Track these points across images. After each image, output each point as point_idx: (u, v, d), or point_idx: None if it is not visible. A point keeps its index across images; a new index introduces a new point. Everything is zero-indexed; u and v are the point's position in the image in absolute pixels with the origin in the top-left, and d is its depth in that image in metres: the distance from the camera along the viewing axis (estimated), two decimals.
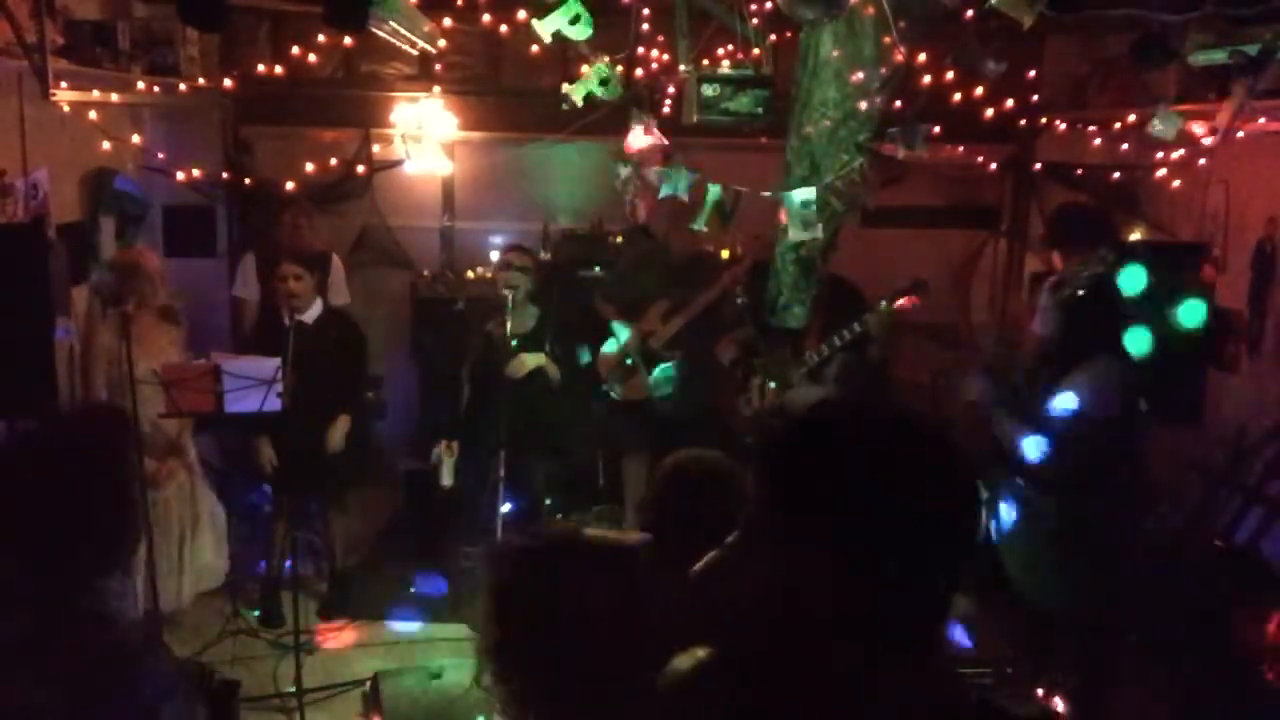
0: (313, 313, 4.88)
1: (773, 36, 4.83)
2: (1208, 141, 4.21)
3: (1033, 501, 3.77)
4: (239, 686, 3.96)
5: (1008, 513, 3.93)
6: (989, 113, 4.99)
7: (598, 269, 5.98)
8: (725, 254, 5.83)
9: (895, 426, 1.29)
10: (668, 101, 5.33)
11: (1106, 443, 3.62)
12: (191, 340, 4.80)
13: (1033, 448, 3.66)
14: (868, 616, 1.23)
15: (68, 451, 1.86)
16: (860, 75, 4.33)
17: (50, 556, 1.79)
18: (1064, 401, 3.60)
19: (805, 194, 4.35)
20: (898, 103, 4.63)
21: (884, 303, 4.70)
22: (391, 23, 3.74)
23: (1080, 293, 3.79)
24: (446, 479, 5.09)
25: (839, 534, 1.23)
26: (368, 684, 4.26)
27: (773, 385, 4.90)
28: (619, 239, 6.17)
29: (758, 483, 1.34)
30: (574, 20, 3.83)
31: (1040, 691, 3.99)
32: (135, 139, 5.13)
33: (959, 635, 4.61)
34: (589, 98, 4.36)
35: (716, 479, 2.50)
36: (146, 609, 4.41)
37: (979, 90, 4.84)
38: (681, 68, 4.66)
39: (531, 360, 5.11)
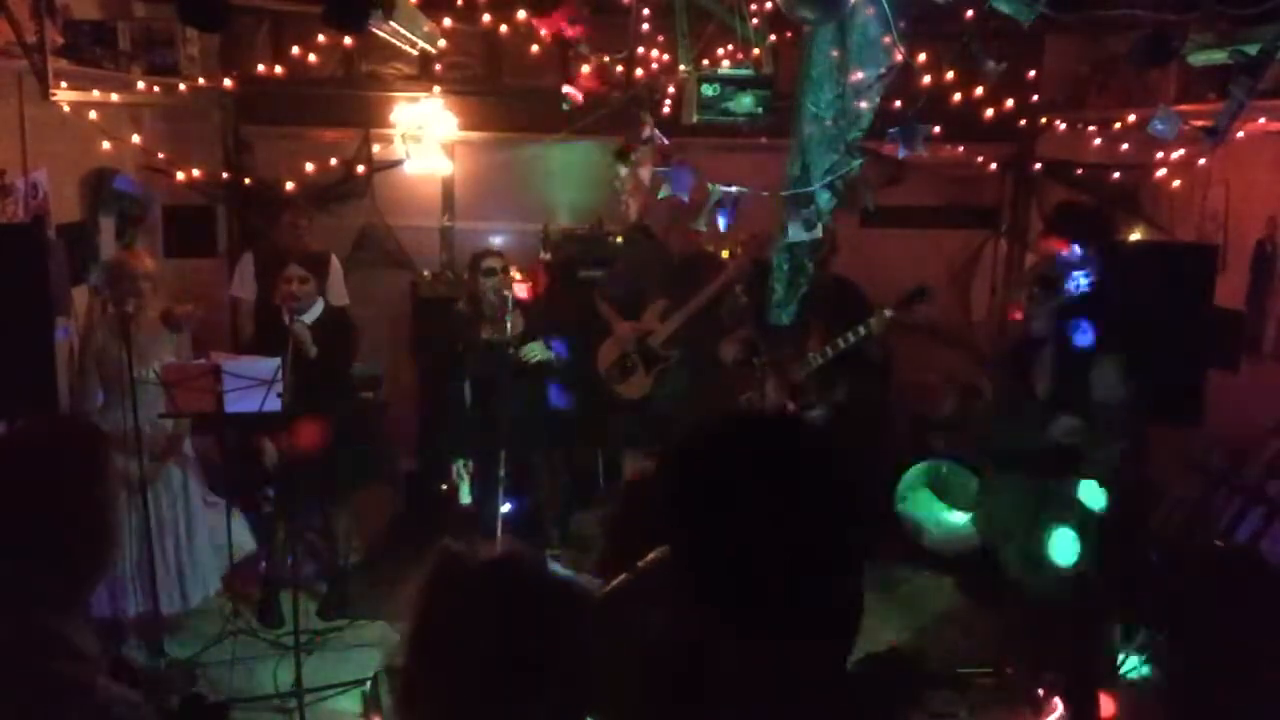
0: (313, 314, 4.87)
1: (773, 36, 4.83)
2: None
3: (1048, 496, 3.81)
4: (228, 709, 3.96)
5: (1013, 511, 3.94)
6: (989, 113, 4.99)
7: (598, 269, 5.98)
8: (725, 254, 5.84)
9: (772, 442, 1.29)
10: (668, 101, 5.34)
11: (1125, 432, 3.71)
12: (193, 342, 4.79)
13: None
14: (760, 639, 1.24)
15: (34, 469, 1.79)
16: (860, 75, 4.33)
17: (8, 577, 1.72)
18: (1106, 395, 3.68)
19: (801, 194, 4.35)
20: (898, 103, 4.64)
21: (889, 310, 4.70)
22: (391, 23, 3.74)
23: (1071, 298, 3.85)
24: (465, 498, 5.12)
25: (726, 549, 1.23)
26: (368, 684, 4.26)
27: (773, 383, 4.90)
28: (619, 239, 6.18)
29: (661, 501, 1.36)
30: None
31: (1040, 692, 3.99)
32: (135, 139, 5.12)
33: None
34: (589, 97, 4.34)
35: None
36: (146, 610, 4.42)
37: (979, 90, 4.84)
38: (681, 68, 4.66)
39: (540, 352, 5.12)
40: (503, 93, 6.09)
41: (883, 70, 4.24)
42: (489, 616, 1.55)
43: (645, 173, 4.54)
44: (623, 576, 2.01)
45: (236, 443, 5.13)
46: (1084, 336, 3.79)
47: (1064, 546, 3.85)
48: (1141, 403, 3.81)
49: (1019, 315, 4.36)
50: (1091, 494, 3.81)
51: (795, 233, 4.39)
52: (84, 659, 1.75)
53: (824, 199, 4.44)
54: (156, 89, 4.85)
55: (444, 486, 5.63)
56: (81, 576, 1.82)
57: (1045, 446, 3.91)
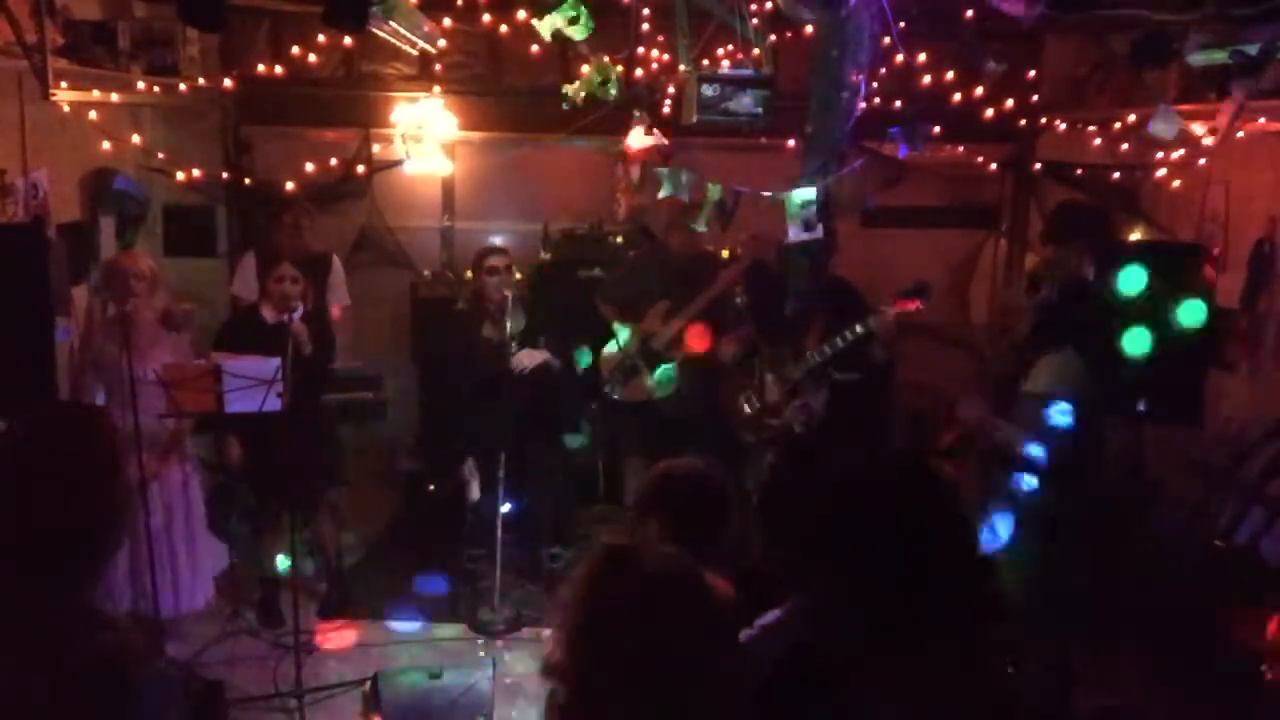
0: (296, 315, 4.86)
1: (773, 36, 4.83)
2: (1208, 142, 4.21)
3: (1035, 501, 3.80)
4: (222, 686, 3.98)
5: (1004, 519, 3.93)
6: (989, 113, 5.00)
7: (598, 269, 5.98)
8: (725, 254, 5.84)
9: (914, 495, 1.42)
10: (668, 101, 5.34)
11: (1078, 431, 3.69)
12: (196, 343, 4.78)
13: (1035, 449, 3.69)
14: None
15: (49, 449, 1.82)
16: (856, 76, 4.34)
17: (44, 556, 1.75)
18: (1031, 385, 3.67)
19: (803, 194, 4.36)
20: (898, 103, 4.64)
21: (887, 307, 4.70)
22: (391, 23, 3.74)
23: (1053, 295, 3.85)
24: (474, 494, 5.15)
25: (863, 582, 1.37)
26: (368, 684, 4.26)
27: (771, 381, 4.90)
28: (619, 239, 6.18)
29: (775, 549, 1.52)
30: (573, 21, 3.82)
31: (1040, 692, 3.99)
32: (135, 139, 5.12)
33: None
34: (589, 97, 4.36)
35: (706, 493, 2.64)
36: (144, 611, 4.42)
37: (979, 90, 4.84)
38: (681, 68, 4.66)
39: (537, 355, 5.11)
40: (503, 93, 6.09)
41: (866, 65, 4.25)
42: (667, 614, 1.59)
43: (635, 170, 4.56)
44: (747, 631, 2.06)
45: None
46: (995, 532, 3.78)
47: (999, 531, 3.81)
48: (1114, 403, 3.78)
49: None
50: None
51: (795, 233, 4.39)
52: (121, 629, 1.78)
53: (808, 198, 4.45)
54: (156, 89, 4.85)
55: (431, 487, 5.66)
56: (102, 549, 1.86)
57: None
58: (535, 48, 5.33)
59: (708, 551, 2.55)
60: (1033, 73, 5.88)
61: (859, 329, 4.65)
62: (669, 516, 2.56)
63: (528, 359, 5.06)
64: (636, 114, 4.78)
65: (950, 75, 4.84)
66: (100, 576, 1.88)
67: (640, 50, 5.04)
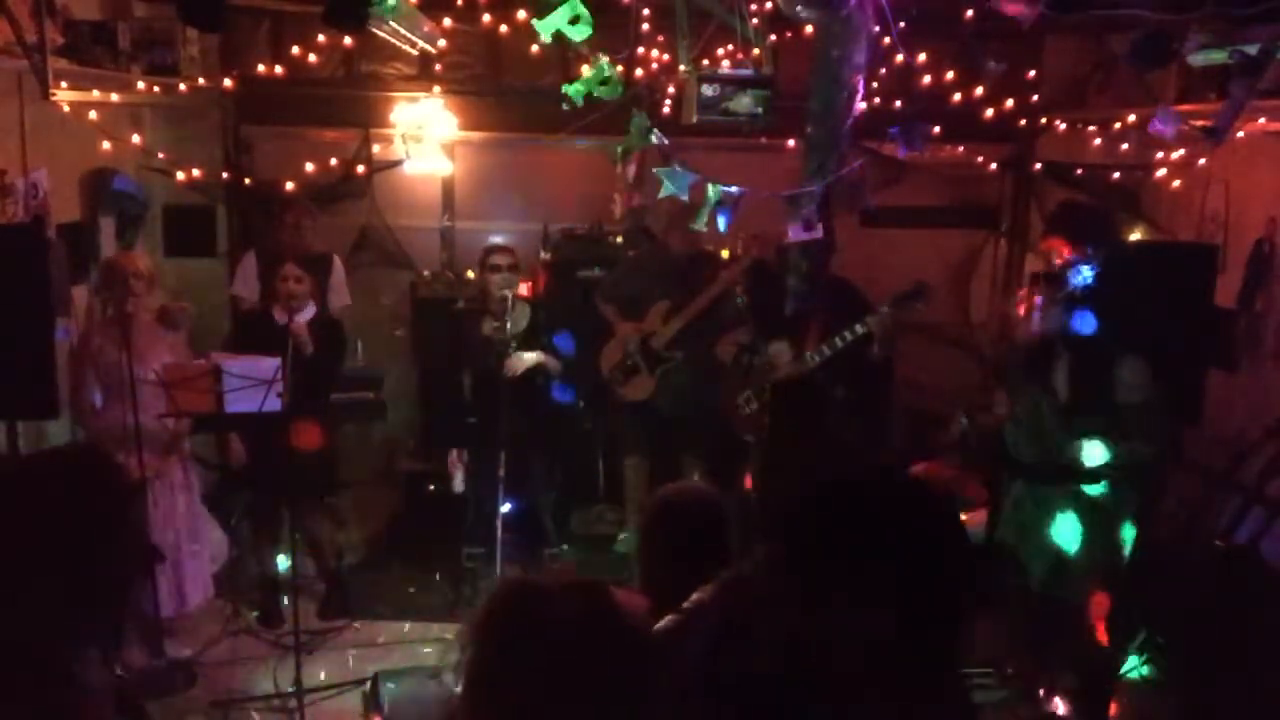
0: (305, 315, 4.86)
1: (773, 36, 4.83)
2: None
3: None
4: None
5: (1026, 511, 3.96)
6: (989, 113, 4.99)
7: (598, 269, 5.98)
8: (725, 254, 5.84)
9: (901, 498, 1.42)
10: (668, 101, 5.34)
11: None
12: (192, 342, 4.79)
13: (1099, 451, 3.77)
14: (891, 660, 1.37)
15: (59, 502, 1.70)
16: (858, 77, 4.34)
17: (34, 618, 1.65)
18: (1128, 395, 3.72)
19: (800, 194, 4.35)
20: (898, 103, 4.64)
21: (886, 307, 4.70)
22: (391, 23, 3.74)
23: (1079, 291, 3.86)
24: (459, 486, 5.14)
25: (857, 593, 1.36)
26: (368, 684, 4.26)
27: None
28: (619, 239, 6.18)
29: (774, 547, 1.47)
30: (574, 20, 3.82)
31: (1040, 691, 3.99)
32: (135, 139, 5.12)
33: None
34: (590, 97, 4.35)
35: (705, 517, 2.66)
36: (145, 610, 4.42)
37: (979, 90, 4.84)
38: (681, 68, 4.66)
39: (529, 358, 5.12)
40: (503, 93, 6.08)
41: (866, 65, 4.25)
42: (568, 654, 1.50)
43: (631, 170, 4.55)
44: (671, 617, 2.03)
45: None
46: (1086, 324, 3.80)
47: (1066, 532, 3.85)
48: (1169, 404, 3.84)
49: (1022, 310, 4.35)
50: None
51: (795, 233, 4.39)
52: (91, 692, 1.70)
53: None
54: (156, 89, 4.85)
55: (431, 486, 5.65)
56: (107, 609, 1.77)
57: (1073, 455, 3.91)
58: (535, 48, 5.31)
59: (708, 567, 2.57)
60: (1033, 73, 5.87)
61: (859, 329, 4.65)
62: (671, 542, 2.60)
63: (519, 363, 5.07)
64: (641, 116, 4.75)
65: (950, 75, 4.84)
66: (94, 635, 1.77)
67: (640, 50, 5.04)
